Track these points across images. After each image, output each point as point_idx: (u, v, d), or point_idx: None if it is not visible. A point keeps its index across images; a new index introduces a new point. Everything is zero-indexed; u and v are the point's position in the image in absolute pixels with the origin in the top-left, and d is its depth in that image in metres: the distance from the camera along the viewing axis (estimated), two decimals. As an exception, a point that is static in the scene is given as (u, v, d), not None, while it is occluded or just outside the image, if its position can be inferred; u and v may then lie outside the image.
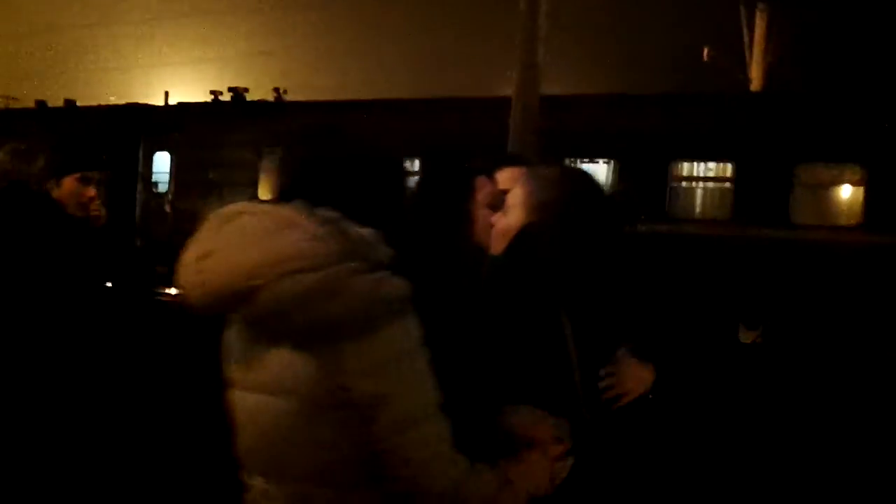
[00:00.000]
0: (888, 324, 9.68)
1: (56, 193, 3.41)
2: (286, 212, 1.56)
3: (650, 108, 11.91)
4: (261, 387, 1.58)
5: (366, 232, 1.54)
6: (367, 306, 1.49)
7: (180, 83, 27.06)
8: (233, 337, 1.67)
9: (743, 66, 18.52)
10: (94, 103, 18.70)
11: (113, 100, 20.78)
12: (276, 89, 15.80)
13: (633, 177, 11.63)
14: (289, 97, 16.15)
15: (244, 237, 1.54)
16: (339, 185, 1.64)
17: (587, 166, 12.16)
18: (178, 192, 15.63)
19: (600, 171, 12.11)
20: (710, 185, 11.96)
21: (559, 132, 10.76)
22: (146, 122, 15.84)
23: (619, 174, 11.90)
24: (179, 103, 16.76)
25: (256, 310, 1.51)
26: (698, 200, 12.05)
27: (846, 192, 10.88)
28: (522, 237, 1.99)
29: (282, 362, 1.54)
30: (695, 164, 12.04)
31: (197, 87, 24.42)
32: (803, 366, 9.22)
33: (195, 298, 1.57)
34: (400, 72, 23.21)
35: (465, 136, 11.77)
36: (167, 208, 15.73)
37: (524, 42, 10.41)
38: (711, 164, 11.85)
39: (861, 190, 10.51)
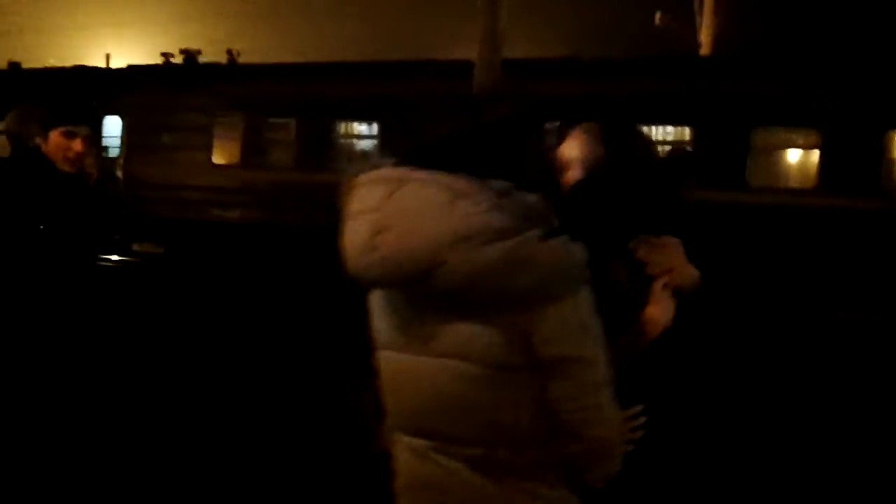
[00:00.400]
0: (843, 285, 9.94)
1: (44, 148, 3.39)
2: (456, 181, 1.52)
3: (608, 73, 11.97)
4: (435, 352, 1.56)
5: (535, 199, 1.52)
6: (556, 274, 1.49)
7: (123, 44, 26.42)
8: (388, 301, 1.64)
9: (694, 31, 18.64)
10: (38, 65, 18.21)
11: (52, 62, 20.21)
12: (230, 51, 15.53)
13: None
14: (241, 59, 15.88)
15: (420, 209, 1.50)
16: (502, 153, 1.61)
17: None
18: (129, 156, 15.34)
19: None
20: (669, 149, 12.09)
21: (521, 92, 10.75)
22: (96, 85, 15.48)
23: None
24: (130, 66, 16.39)
25: (439, 284, 1.49)
26: (657, 164, 12.16)
27: (802, 156, 11.10)
28: (573, 192, 2.03)
29: (464, 329, 1.53)
30: (653, 128, 12.16)
31: (139, 48, 23.87)
32: (759, 328, 9.43)
33: (371, 274, 1.56)
34: (357, 33, 22.92)
35: (428, 99, 11.75)
36: (118, 173, 15.44)
37: (486, 4, 10.38)
38: (670, 128, 11.98)
39: (816, 153, 10.73)
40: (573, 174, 2.07)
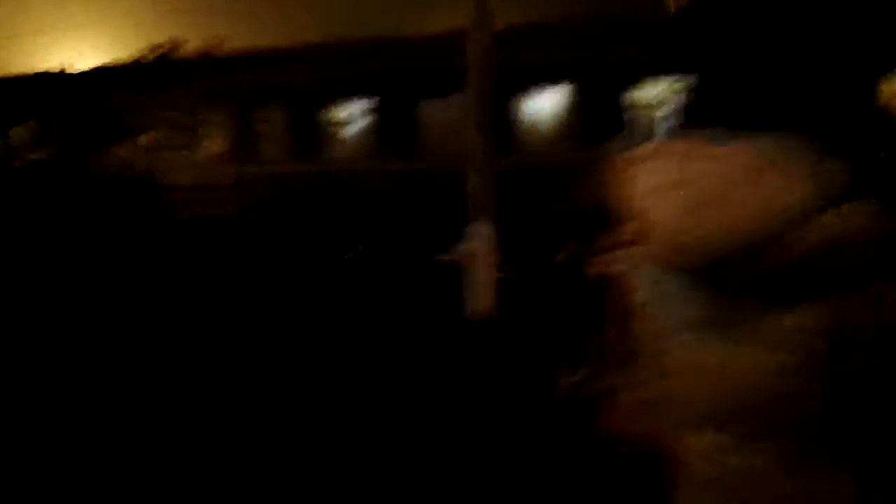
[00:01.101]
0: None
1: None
2: (765, 144, 1.36)
3: (598, 36, 11.96)
4: (754, 341, 1.41)
5: (843, 161, 1.37)
6: (891, 246, 1.34)
7: (86, 45, 25.88)
8: (684, 283, 1.47)
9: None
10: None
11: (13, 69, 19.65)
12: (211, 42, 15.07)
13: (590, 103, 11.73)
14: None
15: (735, 180, 1.35)
16: (808, 112, 1.45)
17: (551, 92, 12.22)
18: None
19: (556, 99, 12.21)
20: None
21: (511, 62, 10.69)
22: (69, 90, 15.18)
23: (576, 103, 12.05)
24: (104, 66, 16.02)
25: (765, 264, 1.35)
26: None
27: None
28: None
29: (787, 315, 1.38)
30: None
31: (102, 48, 23.37)
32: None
33: (688, 255, 1.40)
34: (337, 11, 22.56)
35: (421, 73, 11.68)
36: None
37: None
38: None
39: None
40: None
